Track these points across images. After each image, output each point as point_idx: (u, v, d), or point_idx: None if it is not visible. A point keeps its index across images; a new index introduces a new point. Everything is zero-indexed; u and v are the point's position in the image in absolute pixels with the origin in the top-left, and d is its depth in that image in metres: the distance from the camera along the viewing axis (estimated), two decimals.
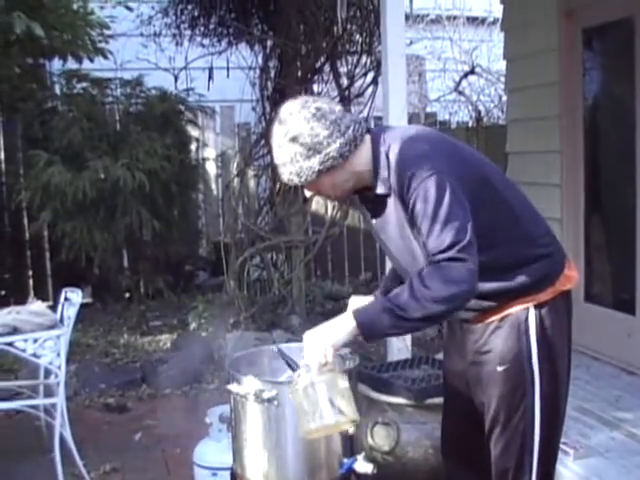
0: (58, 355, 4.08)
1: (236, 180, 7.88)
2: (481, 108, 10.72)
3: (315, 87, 7.63)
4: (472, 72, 10.95)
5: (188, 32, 8.14)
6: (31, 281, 8.27)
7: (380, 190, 2.50)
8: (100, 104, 7.46)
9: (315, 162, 2.43)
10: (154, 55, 8.36)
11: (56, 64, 8.13)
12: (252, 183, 8.21)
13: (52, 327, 4.15)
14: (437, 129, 9.28)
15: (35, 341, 4.02)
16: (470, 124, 10.32)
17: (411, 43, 10.08)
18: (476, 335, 2.67)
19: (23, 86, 7.45)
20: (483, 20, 11.88)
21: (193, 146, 8.36)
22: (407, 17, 6.24)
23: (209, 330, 6.84)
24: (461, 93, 11.04)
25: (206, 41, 8.11)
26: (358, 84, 7.60)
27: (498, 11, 7.24)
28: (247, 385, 2.49)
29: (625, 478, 3.53)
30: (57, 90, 7.91)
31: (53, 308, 4.55)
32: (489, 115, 10.66)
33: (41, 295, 7.42)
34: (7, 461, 4.46)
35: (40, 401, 4.44)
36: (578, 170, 5.52)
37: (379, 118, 5.98)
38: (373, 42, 7.34)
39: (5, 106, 7.52)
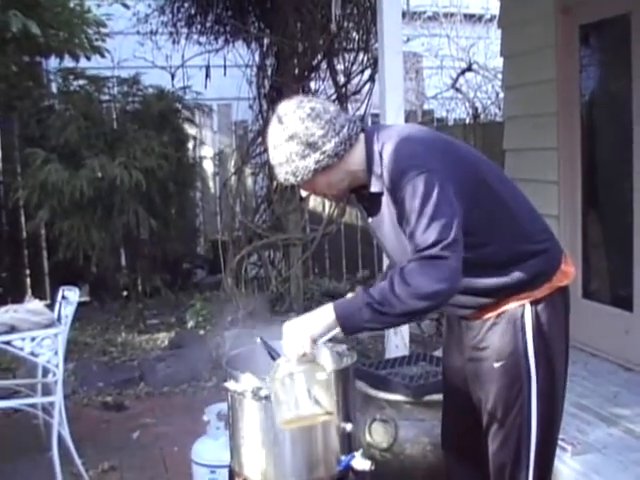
0: (56, 354, 4.07)
1: (233, 178, 7.89)
2: (478, 105, 10.72)
3: (312, 85, 7.63)
4: (469, 69, 10.95)
5: (185, 30, 8.13)
6: (28, 280, 8.27)
7: (374, 189, 2.51)
8: (97, 102, 7.44)
9: (311, 161, 2.44)
10: (151, 53, 8.35)
11: (53, 62, 8.13)
12: (249, 181, 8.22)
13: (50, 326, 4.15)
14: (434, 126, 9.36)
15: (33, 340, 4.02)
16: (467, 121, 10.33)
17: (408, 40, 10.09)
18: (474, 332, 2.68)
19: (20, 84, 7.45)
20: (480, 17, 11.89)
21: (190, 144, 8.36)
22: (404, 14, 6.27)
23: (207, 328, 6.84)
24: (458, 90, 11.05)
25: (203, 39, 8.11)
26: (355, 81, 7.61)
27: (495, 8, 7.25)
28: (244, 382, 2.48)
29: (623, 474, 3.53)
30: (54, 88, 7.90)
31: (51, 307, 4.55)
32: (486, 112, 10.67)
33: (38, 294, 7.44)
34: (5, 460, 4.46)
35: (38, 400, 4.43)
36: (575, 167, 5.52)
37: (376, 115, 5.97)
38: (370, 39, 7.35)
39: (2, 104, 7.50)
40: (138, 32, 8.49)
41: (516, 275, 2.55)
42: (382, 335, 5.04)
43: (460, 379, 2.82)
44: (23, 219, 7.99)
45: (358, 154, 2.51)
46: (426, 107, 11.31)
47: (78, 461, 4.24)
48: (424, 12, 11.73)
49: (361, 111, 7.48)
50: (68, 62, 7.68)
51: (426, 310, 2.37)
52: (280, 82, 7.37)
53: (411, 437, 3.65)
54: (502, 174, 2.77)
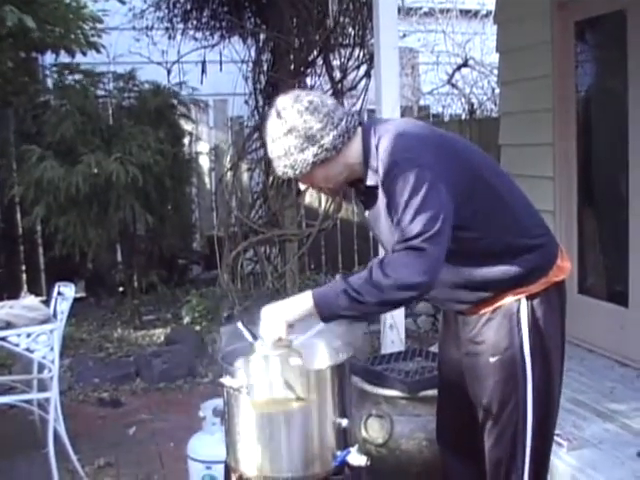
0: (51, 349, 4.07)
1: (229, 174, 7.88)
2: (474, 101, 10.71)
3: (308, 80, 7.63)
4: (465, 65, 10.95)
5: (181, 26, 8.14)
6: (24, 276, 8.26)
7: (370, 182, 2.52)
8: (93, 98, 7.42)
9: (309, 154, 2.44)
10: (147, 49, 8.36)
11: (49, 58, 8.11)
12: (245, 177, 8.21)
13: (45, 321, 4.15)
14: (430, 122, 9.33)
15: (28, 336, 4.01)
16: (463, 117, 10.31)
17: (404, 36, 10.09)
18: (470, 326, 2.69)
19: (15, 80, 7.44)
20: (476, 13, 11.88)
21: (186, 140, 8.35)
22: (400, 10, 6.25)
23: (203, 324, 6.84)
24: (454, 86, 11.04)
25: (199, 35, 8.12)
26: (351, 77, 7.61)
27: (491, 4, 7.23)
28: (240, 378, 2.48)
29: (619, 469, 3.54)
30: (50, 84, 7.89)
31: (46, 303, 4.56)
32: (482, 108, 10.65)
33: (34, 290, 7.41)
34: (1, 456, 4.46)
35: (34, 396, 4.44)
36: (571, 162, 5.52)
37: (372, 111, 5.97)
38: (366, 35, 7.34)
39: None
40: (134, 28, 8.49)
41: (512, 269, 2.56)
42: (378, 331, 5.05)
43: (456, 374, 2.83)
44: (19, 215, 7.98)
45: (355, 147, 2.52)
46: (422, 103, 11.29)
47: (74, 457, 4.24)
48: (420, 8, 11.72)
49: (357, 107, 7.48)
50: (64, 58, 7.67)
51: (404, 301, 2.41)
52: (276, 78, 7.37)
53: (407, 432, 3.66)
54: (499, 168, 2.78)
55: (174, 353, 6.15)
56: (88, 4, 7.80)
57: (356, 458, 2.52)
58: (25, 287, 8.01)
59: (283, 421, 2.48)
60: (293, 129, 2.43)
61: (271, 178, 7.36)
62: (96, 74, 7.52)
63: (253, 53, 7.76)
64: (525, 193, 2.73)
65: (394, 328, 4.74)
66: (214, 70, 7.95)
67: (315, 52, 7.48)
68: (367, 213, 2.67)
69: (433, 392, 3.19)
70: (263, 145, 7.53)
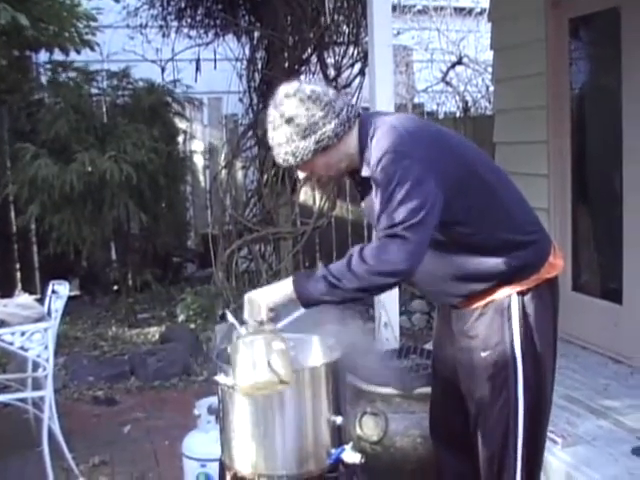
0: (46, 348, 4.06)
1: (224, 172, 7.88)
2: (468, 98, 10.73)
3: (302, 78, 7.61)
4: (459, 63, 10.96)
5: (175, 23, 8.14)
6: (18, 274, 8.25)
7: (365, 173, 2.55)
8: (87, 96, 7.42)
9: (311, 142, 2.48)
10: (141, 47, 8.35)
11: (42, 56, 8.10)
12: (240, 175, 8.21)
13: (40, 320, 4.14)
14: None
15: (23, 334, 4.00)
16: (457, 114, 10.33)
17: (398, 34, 10.09)
18: (463, 321, 2.72)
19: (9, 78, 7.42)
20: (470, 11, 11.89)
21: (181, 138, 8.35)
22: (394, 8, 6.25)
23: (197, 322, 6.84)
24: (448, 84, 11.05)
25: (193, 32, 8.12)
26: (345, 75, 7.61)
27: (485, 1, 7.26)
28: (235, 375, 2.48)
29: (612, 466, 3.54)
30: (44, 82, 7.87)
31: (41, 301, 4.54)
32: (476, 105, 10.67)
33: (28, 288, 7.40)
34: None
35: (28, 394, 4.43)
36: (565, 160, 5.53)
37: (366, 109, 5.96)
38: (360, 33, 7.35)
39: None
40: (128, 25, 8.49)
41: (504, 264, 2.58)
42: (372, 328, 5.05)
43: (450, 370, 2.84)
44: (13, 214, 7.96)
45: (354, 137, 2.56)
46: (416, 101, 11.29)
47: (68, 456, 4.24)
48: (414, 5, 11.73)
49: None
50: (58, 56, 7.66)
51: (383, 287, 2.44)
52: (270, 75, 7.36)
53: (401, 430, 3.66)
54: (494, 165, 2.81)
55: (169, 351, 6.15)
56: (82, 2, 7.78)
57: (350, 456, 2.53)
58: (19, 285, 8.00)
59: (277, 418, 2.49)
60: (296, 116, 2.46)
61: (265, 176, 7.36)
62: (90, 72, 7.51)
63: (247, 51, 7.75)
64: (520, 190, 2.74)
65: (388, 326, 4.74)
66: (208, 68, 7.94)
67: (309, 50, 7.47)
68: (363, 203, 2.71)
69: (428, 389, 3.19)
70: (257, 143, 7.55)
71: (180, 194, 8.37)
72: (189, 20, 8.07)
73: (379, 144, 2.45)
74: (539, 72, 5.57)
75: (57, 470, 4.15)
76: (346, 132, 2.52)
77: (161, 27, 8.19)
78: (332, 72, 7.56)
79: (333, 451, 2.54)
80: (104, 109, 7.75)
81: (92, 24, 7.83)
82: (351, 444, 2.57)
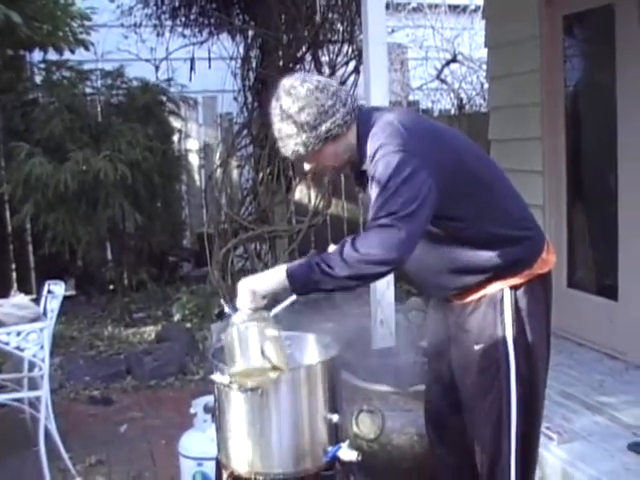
0: (42, 348, 4.07)
1: (219, 171, 7.87)
2: (463, 96, 10.73)
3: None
4: (454, 60, 10.95)
5: (169, 22, 8.14)
6: (14, 274, 8.24)
7: (364, 167, 2.57)
8: (81, 95, 7.41)
9: (322, 131, 2.52)
10: (135, 46, 8.33)
11: (37, 55, 8.08)
12: (235, 173, 8.21)
13: (35, 320, 4.14)
14: None
15: (18, 334, 4.00)
16: (452, 112, 10.34)
17: (393, 31, 10.08)
18: (457, 315, 2.76)
19: (3, 77, 7.40)
20: (464, 8, 11.88)
21: (175, 137, 8.35)
22: (388, 5, 6.25)
23: (193, 321, 6.84)
24: (443, 81, 11.05)
25: (187, 31, 8.12)
26: (340, 73, 7.60)
27: None
28: (230, 375, 2.48)
29: (608, 461, 3.55)
30: (38, 81, 7.85)
31: (36, 301, 4.55)
32: (471, 103, 10.68)
33: (24, 288, 7.41)
34: None
35: (24, 394, 4.43)
36: (560, 157, 5.53)
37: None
38: (354, 31, 7.34)
39: None
40: (122, 25, 8.48)
41: (496, 258, 2.62)
42: (369, 326, 5.05)
43: (444, 364, 2.88)
44: (8, 213, 7.96)
45: (354, 130, 2.60)
46: (411, 98, 11.30)
47: (65, 455, 4.24)
48: (408, 3, 11.73)
49: None
50: (52, 55, 7.64)
51: (374, 275, 2.45)
52: (265, 74, 7.36)
53: (398, 427, 3.66)
54: (489, 160, 2.84)
55: (165, 351, 6.15)
56: (76, 1, 7.76)
57: (347, 453, 2.53)
58: (15, 285, 8.00)
59: (274, 417, 2.49)
60: (306, 106, 2.50)
61: (261, 174, 7.36)
62: (84, 71, 7.50)
63: (242, 50, 7.76)
64: (514, 186, 2.76)
65: (385, 324, 4.74)
66: (203, 67, 7.94)
67: (304, 48, 7.47)
68: (361, 195, 2.75)
69: (424, 387, 3.20)
70: (252, 142, 7.54)
71: (175, 193, 8.36)
72: (183, 19, 8.07)
73: (375, 137, 2.49)
74: (533, 69, 5.57)
75: (54, 470, 4.16)
76: (352, 121, 2.56)
77: (155, 26, 8.19)
78: (327, 70, 7.56)
79: (330, 449, 2.54)
80: (98, 108, 7.75)
81: (86, 23, 7.81)
82: (348, 442, 2.57)
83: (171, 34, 8.14)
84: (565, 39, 5.48)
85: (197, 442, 3.59)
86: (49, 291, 4.42)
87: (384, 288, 4.67)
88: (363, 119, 2.59)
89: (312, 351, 2.87)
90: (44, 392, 4.12)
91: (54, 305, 4.23)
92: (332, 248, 2.48)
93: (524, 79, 5.68)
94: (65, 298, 4.36)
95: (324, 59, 7.56)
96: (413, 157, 2.40)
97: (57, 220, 6.65)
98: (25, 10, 6.61)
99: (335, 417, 2.55)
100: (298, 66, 7.53)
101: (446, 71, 11.04)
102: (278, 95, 2.56)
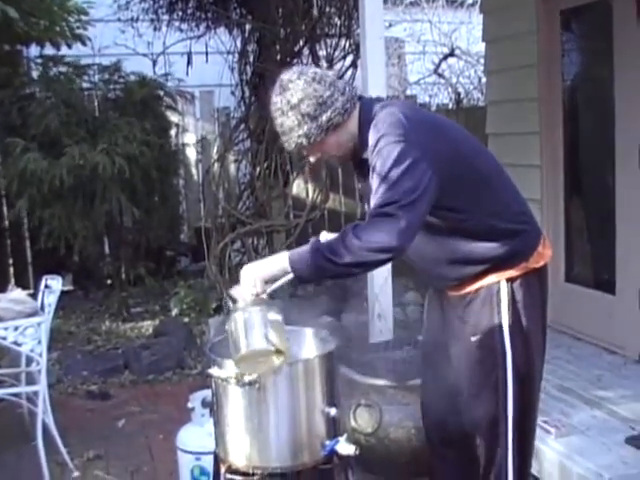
0: (39, 343, 4.07)
1: (216, 165, 7.86)
2: (461, 90, 10.73)
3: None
4: (451, 54, 10.95)
5: (166, 17, 8.11)
6: (11, 269, 8.23)
7: (364, 155, 2.60)
8: (78, 90, 7.39)
9: (323, 121, 2.54)
10: (132, 40, 8.31)
11: (34, 50, 8.07)
12: (232, 168, 8.20)
13: (33, 315, 4.14)
14: None
15: (16, 329, 4.00)
16: (450, 106, 10.34)
17: (390, 26, 10.06)
18: (453, 306, 2.79)
19: (0, 72, 7.38)
20: (462, 2, 11.86)
21: (173, 131, 8.33)
22: (386, 0, 6.23)
23: (191, 316, 6.84)
24: (441, 75, 11.05)
25: (184, 26, 8.10)
26: (337, 67, 7.58)
27: None
28: (228, 369, 2.48)
29: (606, 455, 3.55)
30: (35, 76, 7.84)
31: (33, 296, 4.54)
32: (469, 97, 10.67)
33: (21, 283, 7.38)
34: None
35: (22, 389, 4.43)
36: (557, 151, 5.53)
37: None
38: (352, 25, 7.34)
39: None
40: (119, 19, 8.45)
41: (494, 250, 2.65)
42: (366, 320, 5.05)
43: (441, 356, 2.89)
44: (5, 208, 7.94)
45: (356, 118, 2.63)
46: (409, 93, 11.27)
47: (63, 450, 4.24)
48: None
49: None
50: (49, 50, 7.63)
51: (375, 263, 2.46)
52: (262, 68, 7.35)
53: (395, 421, 3.67)
54: (488, 153, 2.86)
55: (162, 345, 6.14)
56: None
57: (345, 447, 2.53)
58: (12, 280, 7.97)
59: (271, 411, 2.49)
60: (305, 98, 2.53)
61: (258, 169, 7.36)
62: (81, 66, 7.49)
63: (239, 44, 7.74)
64: (512, 180, 2.78)
65: (382, 317, 4.74)
66: (200, 61, 7.93)
67: (301, 42, 7.46)
68: (360, 185, 2.78)
69: (421, 381, 3.20)
70: (250, 136, 7.53)
71: (173, 187, 8.34)
72: (180, 13, 8.05)
73: (377, 127, 2.51)
74: (531, 64, 5.57)
75: (52, 464, 4.16)
76: (353, 109, 2.59)
77: (152, 20, 8.17)
78: (324, 64, 7.54)
79: (327, 443, 2.54)
80: (95, 103, 7.73)
81: (83, 18, 7.79)
82: (345, 436, 2.57)
83: (168, 28, 8.12)
84: (563, 33, 5.47)
85: (195, 436, 3.59)
86: (46, 286, 4.42)
87: (382, 282, 4.67)
88: (365, 108, 2.62)
89: (310, 345, 2.87)
90: (42, 387, 4.12)
91: (51, 300, 4.24)
92: (324, 236, 2.49)
93: (522, 73, 5.68)
94: (62, 293, 4.37)
95: (321, 53, 7.55)
96: (414, 148, 2.43)
97: (53, 215, 6.63)
98: (22, 5, 6.60)
99: (333, 411, 2.55)
100: (295, 60, 7.51)
101: (444, 65, 11.04)
102: (277, 91, 2.58)
